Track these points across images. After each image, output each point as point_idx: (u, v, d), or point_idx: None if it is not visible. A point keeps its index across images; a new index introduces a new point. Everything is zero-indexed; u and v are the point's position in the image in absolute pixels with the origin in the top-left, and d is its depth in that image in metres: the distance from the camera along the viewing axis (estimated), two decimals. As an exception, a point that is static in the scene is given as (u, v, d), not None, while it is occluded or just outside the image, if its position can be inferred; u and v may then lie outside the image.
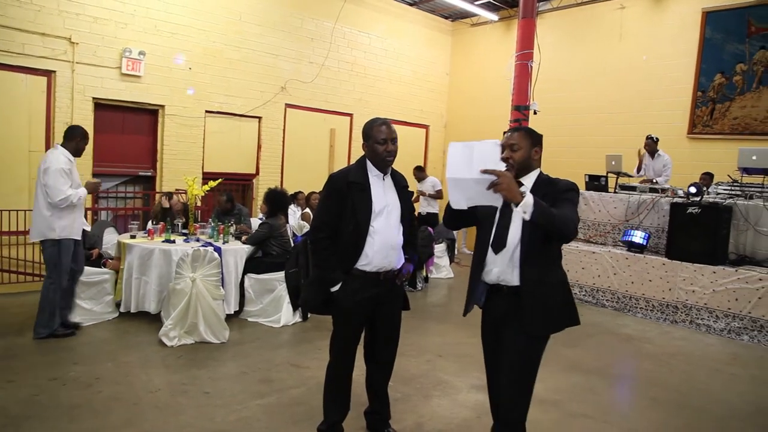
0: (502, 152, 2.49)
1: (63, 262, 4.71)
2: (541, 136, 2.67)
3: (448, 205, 2.61)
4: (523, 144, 2.57)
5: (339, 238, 2.97)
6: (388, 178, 3.08)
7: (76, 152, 4.82)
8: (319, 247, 3.02)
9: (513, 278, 2.53)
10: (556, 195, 2.48)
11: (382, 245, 2.94)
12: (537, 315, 2.50)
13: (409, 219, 3.17)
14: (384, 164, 3.01)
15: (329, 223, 2.99)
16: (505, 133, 2.67)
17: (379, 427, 3.33)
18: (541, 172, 2.64)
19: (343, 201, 2.95)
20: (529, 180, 2.58)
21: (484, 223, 2.65)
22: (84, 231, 5.04)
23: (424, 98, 12.07)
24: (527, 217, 2.21)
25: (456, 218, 2.72)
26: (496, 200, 2.25)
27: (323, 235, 3.00)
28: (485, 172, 2.18)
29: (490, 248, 2.59)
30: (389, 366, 3.27)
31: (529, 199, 2.20)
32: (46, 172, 4.58)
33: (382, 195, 3.00)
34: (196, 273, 4.81)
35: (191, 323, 4.83)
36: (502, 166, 2.26)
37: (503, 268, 2.55)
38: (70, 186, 4.66)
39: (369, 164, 3.03)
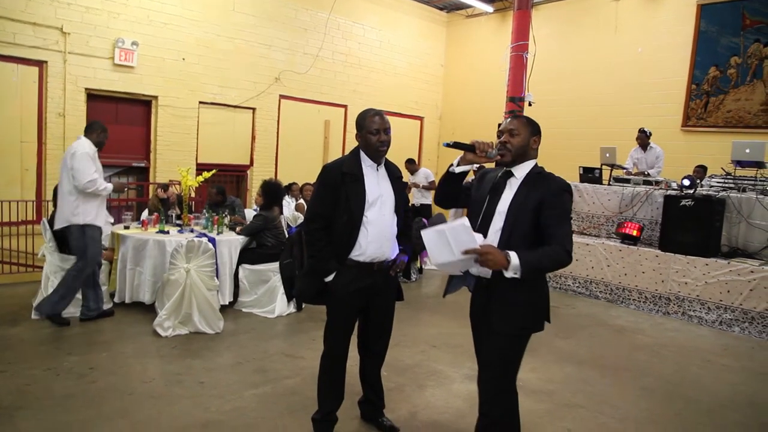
0: (500, 137, 2.53)
1: (90, 250, 4.82)
2: (540, 127, 2.63)
3: (442, 183, 2.64)
4: (522, 131, 2.53)
5: (333, 228, 2.97)
6: (382, 169, 3.08)
7: (98, 145, 4.94)
8: (313, 238, 3.00)
9: (488, 272, 2.46)
10: (547, 198, 2.41)
11: (376, 236, 2.94)
12: (500, 311, 2.47)
13: (404, 209, 3.17)
14: (377, 154, 3.00)
15: (323, 214, 2.98)
16: (500, 124, 2.63)
17: (373, 417, 3.35)
18: (536, 164, 2.59)
19: (337, 192, 2.94)
20: (522, 170, 2.54)
21: (474, 209, 2.62)
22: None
23: (418, 90, 12.05)
24: (518, 276, 2.26)
25: (448, 198, 2.74)
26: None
27: (317, 225, 2.99)
28: (466, 252, 2.26)
29: None
30: (382, 356, 3.28)
31: (515, 261, 2.24)
32: (74, 156, 4.70)
33: (376, 185, 2.99)
34: (190, 264, 4.80)
35: (185, 314, 4.82)
36: (477, 241, 2.28)
37: None
38: (95, 172, 4.79)
39: (363, 155, 3.03)
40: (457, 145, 2.56)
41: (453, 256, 2.32)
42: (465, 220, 2.30)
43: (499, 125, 2.61)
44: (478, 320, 2.63)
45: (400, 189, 3.15)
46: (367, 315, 3.13)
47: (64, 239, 4.99)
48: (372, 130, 2.95)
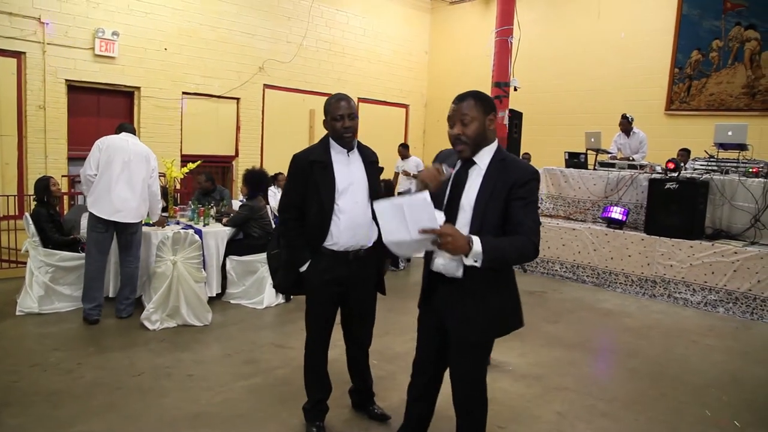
0: (451, 128, 2.28)
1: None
2: (492, 99, 2.34)
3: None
4: (475, 114, 2.23)
5: (306, 218, 2.93)
6: (355, 155, 2.99)
7: None
8: (286, 228, 2.99)
9: (457, 271, 2.27)
10: (513, 187, 2.19)
11: (349, 224, 2.88)
12: (475, 316, 2.28)
13: (379, 195, 2.94)
14: (343, 141, 2.92)
15: (295, 204, 2.95)
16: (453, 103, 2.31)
17: (363, 405, 3.36)
18: (498, 147, 2.32)
19: (307, 181, 2.89)
20: (484, 157, 2.28)
21: (433, 202, 2.41)
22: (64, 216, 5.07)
23: (403, 77, 12.01)
24: (478, 264, 2.04)
25: None
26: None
27: (289, 216, 2.97)
28: (424, 232, 2.01)
29: None
30: (366, 345, 3.25)
31: (477, 247, 2.02)
32: (155, 159, 5.09)
33: (347, 173, 2.91)
34: (176, 256, 4.76)
35: (173, 306, 4.79)
36: (438, 221, 2.06)
37: (448, 258, 2.27)
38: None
39: (332, 142, 2.96)
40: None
41: (408, 234, 2.05)
42: (426, 194, 2.03)
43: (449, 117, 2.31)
44: (441, 320, 2.41)
45: (374, 173, 3.05)
46: (348, 304, 3.08)
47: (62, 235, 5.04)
48: (336, 116, 2.87)
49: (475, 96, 2.27)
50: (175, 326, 4.79)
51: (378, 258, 3.10)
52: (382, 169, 3.19)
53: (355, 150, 3.01)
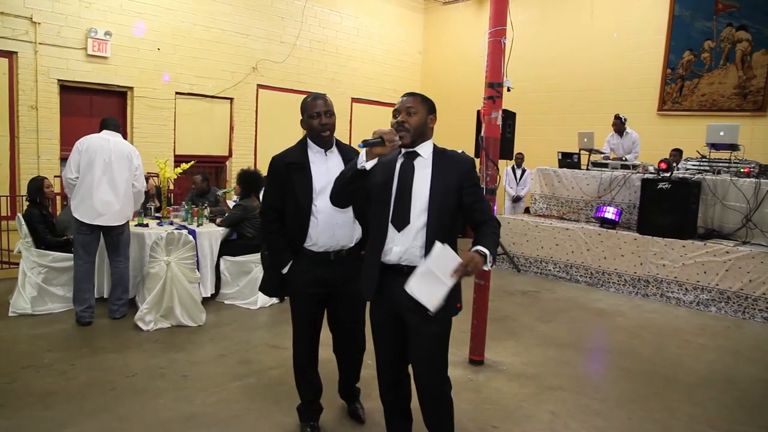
0: (396, 117, 2.43)
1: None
2: (434, 105, 2.54)
3: (346, 183, 2.46)
4: (419, 109, 2.44)
5: (286, 220, 2.93)
6: (333, 154, 2.96)
7: None
8: (267, 231, 2.99)
9: (417, 259, 2.37)
10: (464, 176, 2.41)
11: (326, 225, 2.85)
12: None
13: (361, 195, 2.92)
14: (321, 139, 2.90)
15: (274, 206, 2.95)
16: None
17: (347, 402, 3.40)
18: (434, 143, 2.53)
19: (284, 183, 2.89)
20: (426, 149, 2.47)
21: (380, 196, 2.46)
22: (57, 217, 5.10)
23: (397, 77, 12.00)
24: (489, 267, 2.23)
25: (349, 197, 2.57)
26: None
27: (270, 218, 2.97)
28: (456, 273, 2.13)
29: (390, 225, 2.42)
30: (358, 347, 3.20)
31: (488, 255, 2.20)
32: (138, 157, 4.99)
33: (324, 173, 2.87)
34: (170, 256, 4.75)
35: (167, 307, 4.78)
36: (455, 259, 2.16)
37: (406, 247, 2.40)
38: None
39: (309, 142, 2.95)
40: (368, 144, 2.35)
41: (445, 285, 2.17)
42: (438, 244, 2.21)
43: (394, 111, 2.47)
44: (399, 310, 2.44)
45: None
46: (334, 305, 3.05)
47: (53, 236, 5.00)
48: (313, 114, 2.86)
49: (423, 96, 2.52)
50: (169, 327, 4.78)
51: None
52: None
53: (334, 149, 2.98)
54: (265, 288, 3.14)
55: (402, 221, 2.40)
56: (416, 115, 2.43)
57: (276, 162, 2.96)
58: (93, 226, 4.74)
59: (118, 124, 5.10)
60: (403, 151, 2.48)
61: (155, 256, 4.74)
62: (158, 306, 4.76)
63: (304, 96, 3.05)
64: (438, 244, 2.21)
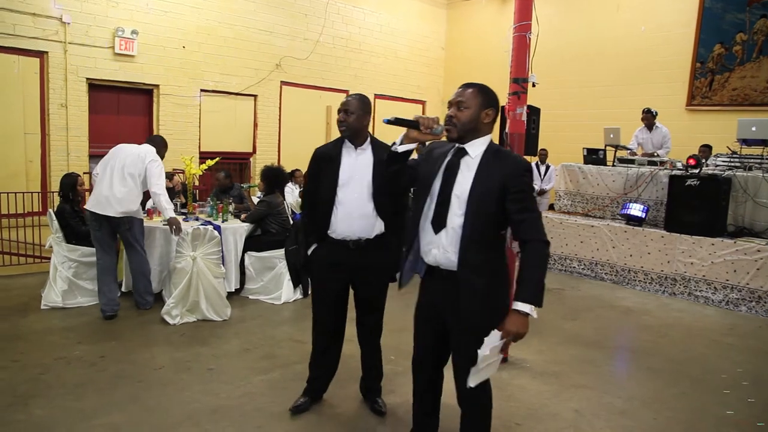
0: (449, 108, 2.34)
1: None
2: (497, 98, 2.35)
3: (390, 155, 2.38)
4: (472, 103, 2.26)
5: (317, 207, 3.14)
6: (365, 151, 3.10)
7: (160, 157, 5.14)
8: (303, 216, 3.39)
9: (453, 264, 2.28)
10: (510, 180, 2.20)
11: (344, 215, 3.03)
12: (472, 307, 2.27)
13: (386, 193, 3.04)
14: (342, 134, 3.09)
15: (311, 193, 3.22)
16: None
17: (368, 398, 3.44)
18: (491, 141, 2.34)
19: (317, 172, 3.15)
20: (476, 148, 2.29)
21: (422, 189, 2.39)
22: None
23: (420, 73, 11.97)
24: (535, 315, 2.17)
25: (391, 178, 2.49)
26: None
27: (306, 204, 3.31)
28: (505, 350, 2.24)
29: (430, 226, 2.34)
30: (374, 334, 3.31)
31: (529, 309, 2.14)
32: (153, 162, 4.95)
33: (350, 167, 3.06)
34: (196, 252, 4.82)
35: (193, 301, 4.85)
36: (499, 339, 2.18)
37: (442, 251, 2.31)
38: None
39: (346, 138, 3.13)
40: (398, 122, 2.30)
41: (497, 361, 2.31)
42: (484, 345, 2.18)
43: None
44: (439, 312, 2.42)
45: (380, 172, 3.00)
46: (355, 291, 3.24)
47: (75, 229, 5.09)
48: (338, 110, 3.08)
49: (480, 88, 2.32)
50: (194, 321, 4.85)
51: (388, 249, 3.13)
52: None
53: (367, 146, 3.11)
54: (293, 266, 3.58)
55: (439, 223, 2.31)
56: (467, 110, 2.27)
57: (314, 153, 3.21)
58: (100, 219, 4.83)
59: (156, 139, 5.25)
60: (457, 145, 2.35)
61: (181, 252, 4.81)
62: (184, 300, 4.84)
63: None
64: (486, 342, 2.17)
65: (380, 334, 3.34)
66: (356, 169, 3.05)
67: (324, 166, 3.09)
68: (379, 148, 3.11)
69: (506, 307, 2.28)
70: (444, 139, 2.39)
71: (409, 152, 2.38)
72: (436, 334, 2.48)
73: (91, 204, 4.84)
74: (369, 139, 3.12)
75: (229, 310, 5.02)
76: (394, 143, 2.39)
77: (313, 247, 3.16)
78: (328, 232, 3.07)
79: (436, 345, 2.52)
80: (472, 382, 2.27)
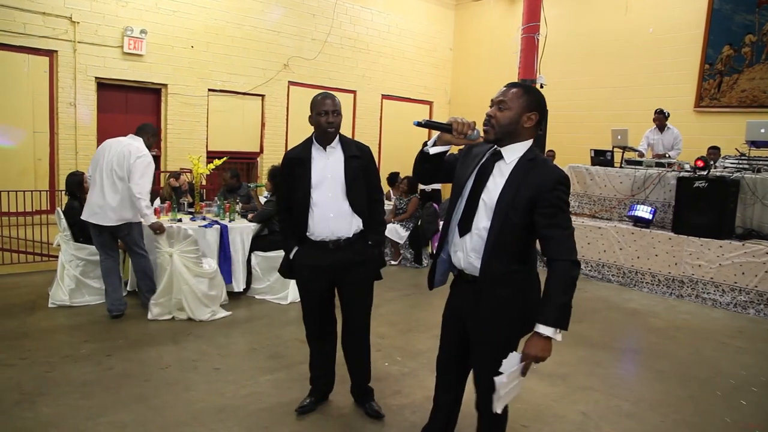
0: (490, 107, 2.21)
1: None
2: (543, 101, 2.21)
3: (418, 160, 2.31)
4: (514, 104, 2.12)
5: (293, 211, 3.15)
6: (334, 150, 3.11)
7: (147, 148, 4.95)
8: (280, 220, 3.38)
9: (476, 270, 2.19)
10: (541, 193, 2.06)
11: (321, 216, 3.05)
12: (492, 315, 2.20)
13: (358, 189, 3.08)
14: (326, 135, 3.06)
15: (284, 198, 3.22)
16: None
17: (360, 402, 3.39)
18: (531, 146, 2.19)
19: (290, 177, 3.14)
20: (513, 153, 2.17)
21: (456, 188, 2.30)
22: None
23: (427, 74, 11.96)
24: (559, 338, 2.07)
25: (426, 175, 2.39)
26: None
27: (280, 208, 3.30)
28: (526, 372, 2.17)
29: (456, 228, 2.27)
30: (360, 330, 3.28)
31: (552, 332, 2.05)
32: (139, 159, 4.73)
33: (322, 168, 3.07)
34: (173, 248, 4.83)
35: (176, 299, 4.86)
36: (518, 363, 2.13)
37: (465, 255, 2.23)
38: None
39: (314, 139, 3.13)
40: (430, 125, 2.24)
41: (519, 384, 2.25)
42: (502, 372, 2.13)
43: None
44: (462, 317, 2.36)
45: (352, 167, 3.08)
46: (339, 291, 3.24)
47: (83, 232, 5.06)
48: (321, 112, 3.03)
49: (525, 89, 2.19)
50: (185, 319, 4.86)
51: (368, 246, 3.19)
52: (361, 162, 3.14)
53: (336, 145, 3.12)
54: (280, 271, 3.37)
55: (465, 227, 2.22)
56: (508, 111, 2.12)
57: (285, 158, 3.24)
58: (99, 226, 4.80)
59: (145, 128, 5.02)
60: (495, 147, 2.23)
61: (159, 247, 4.87)
62: (168, 297, 4.86)
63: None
64: (513, 355, 2.12)
65: (368, 333, 3.31)
66: (328, 170, 3.07)
67: (296, 170, 3.09)
68: (347, 145, 3.16)
69: (529, 324, 2.14)
70: (481, 140, 2.28)
71: (442, 154, 2.29)
72: (459, 336, 2.42)
73: (87, 214, 4.81)
74: (338, 137, 3.13)
75: (209, 312, 4.94)
76: (426, 143, 2.30)
77: (294, 250, 3.16)
78: (307, 234, 3.09)
79: (459, 347, 2.44)
80: (497, 408, 2.22)
